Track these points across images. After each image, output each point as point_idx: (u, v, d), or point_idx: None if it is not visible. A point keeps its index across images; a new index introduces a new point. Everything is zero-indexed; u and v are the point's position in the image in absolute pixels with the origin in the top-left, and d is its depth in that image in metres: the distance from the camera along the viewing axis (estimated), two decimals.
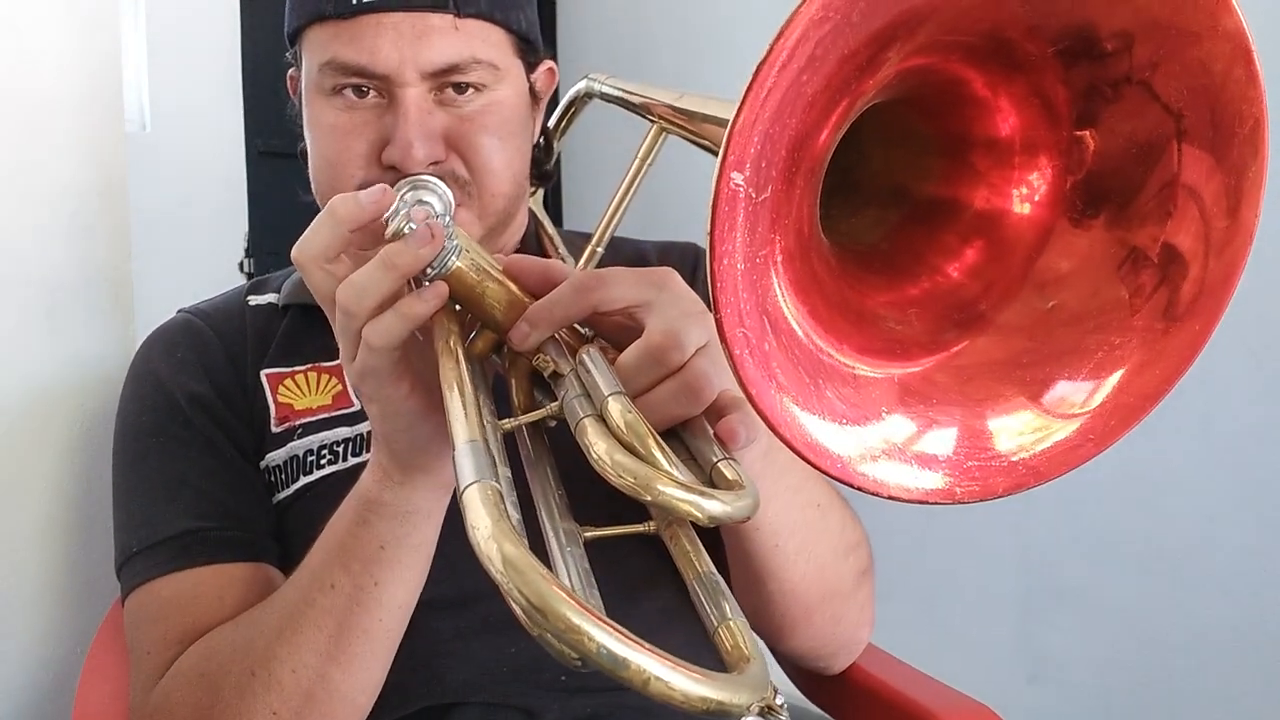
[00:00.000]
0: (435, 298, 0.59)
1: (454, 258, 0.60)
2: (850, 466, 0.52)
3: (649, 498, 0.50)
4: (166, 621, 0.79)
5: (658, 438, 0.53)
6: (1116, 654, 1.80)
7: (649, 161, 0.84)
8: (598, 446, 0.52)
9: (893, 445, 0.54)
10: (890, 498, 0.53)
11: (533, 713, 0.80)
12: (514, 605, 0.44)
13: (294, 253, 0.62)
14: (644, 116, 0.86)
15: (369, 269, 0.59)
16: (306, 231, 0.62)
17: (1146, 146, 0.54)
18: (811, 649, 0.88)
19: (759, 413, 0.49)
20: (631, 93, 0.89)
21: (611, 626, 0.42)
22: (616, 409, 0.54)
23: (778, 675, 1.04)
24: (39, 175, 1.04)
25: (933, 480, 0.54)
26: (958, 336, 0.59)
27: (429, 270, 0.60)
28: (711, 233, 0.46)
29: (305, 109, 0.86)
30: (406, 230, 0.59)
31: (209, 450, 0.85)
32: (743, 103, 0.45)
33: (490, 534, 0.46)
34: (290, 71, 0.90)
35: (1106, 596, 1.81)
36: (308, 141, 0.86)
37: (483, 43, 0.81)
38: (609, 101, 0.95)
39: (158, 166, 2.06)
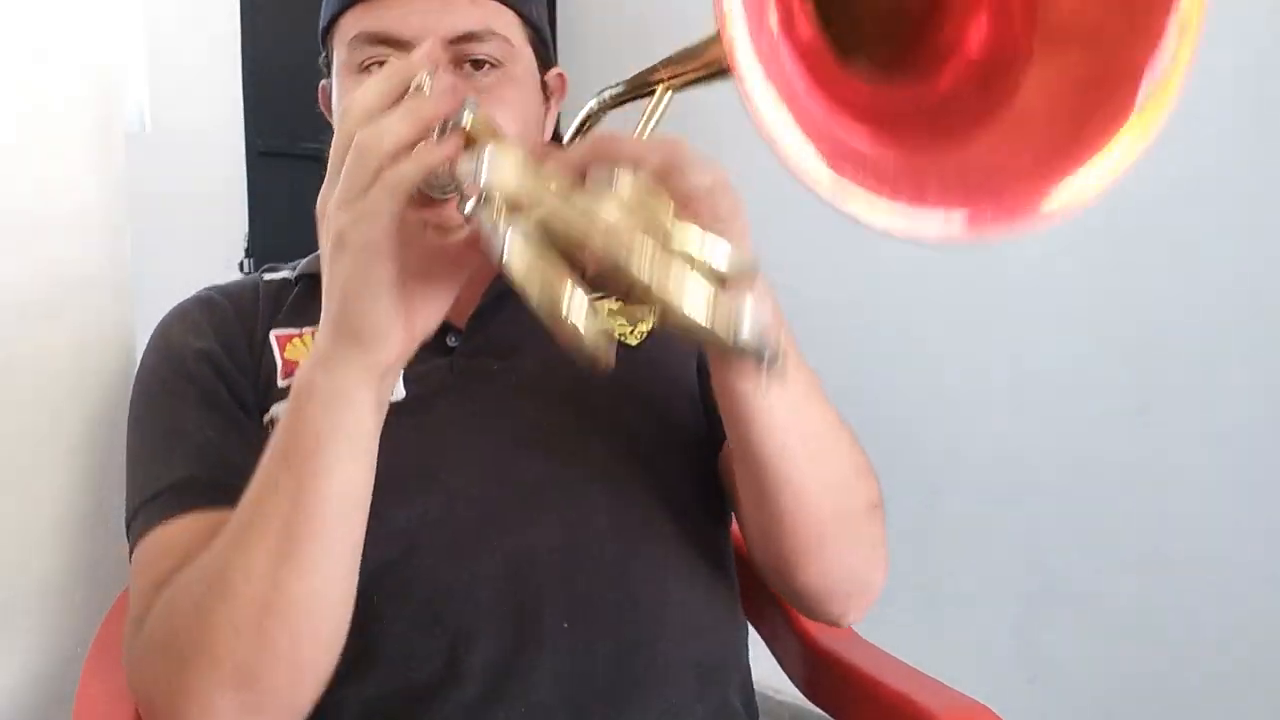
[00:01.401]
0: (451, 142, 0.64)
1: (469, 112, 0.65)
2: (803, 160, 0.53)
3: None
4: (154, 569, 0.79)
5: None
6: (1117, 655, 1.80)
7: (656, 118, 0.84)
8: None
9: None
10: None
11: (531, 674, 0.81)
12: None
13: (344, 103, 0.68)
14: (649, 92, 0.86)
15: (391, 114, 0.63)
16: (360, 89, 0.66)
17: None
18: (825, 586, 0.85)
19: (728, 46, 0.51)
20: (633, 79, 0.90)
21: None
22: (627, 179, 0.58)
23: (779, 674, 1.04)
24: (38, 175, 1.04)
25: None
26: (991, 110, 0.61)
27: (448, 125, 0.64)
28: None
29: (335, 93, 0.89)
30: (428, 87, 0.65)
31: (209, 403, 0.87)
32: None
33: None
34: (321, 83, 0.93)
35: (1107, 597, 1.81)
36: (337, 126, 0.89)
37: (499, 18, 0.87)
38: (618, 104, 0.95)
39: (158, 166, 2.06)
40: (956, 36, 0.64)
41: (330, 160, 0.66)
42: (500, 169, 0.58)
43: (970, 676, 0.96)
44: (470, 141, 0.65)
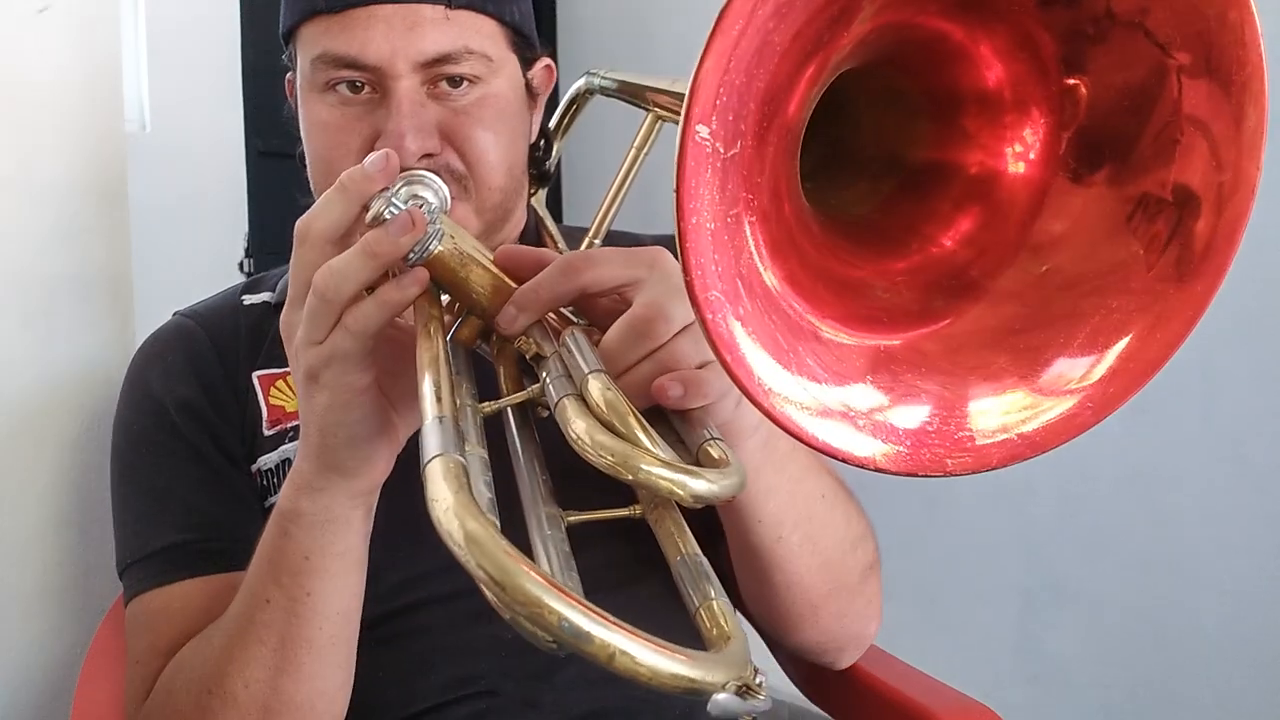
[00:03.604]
0: (415, 284, 0.59)
1: (435, 242, 0.60)
2: (827, 435, 0.50)
3: (630, 477, 0.48)
4: (154, 632, 0.81)
5: (639, 416, 0.51)
6: (1117, 653, 1.80)
7: (645, 151, 0.83)
8: (576, 425, 0.50)
9: (868, 409, 0.52)
10: (867, 467, 0.51)
11: (532, 702, 0.80)
12: (477, 581, 0.43)
13: (299, 226, 0.61)
14: (641, 106, 0.85)
15: (349, 256, 0.58)
16: (315, 205, 0.62)
17: (1142, 87, 0.52)
18: (819, 643, 0.87)
19: (734, 379, 0.48)
20: (628, 83, 0.89)
21: (575, 599, 0.41)
22: (596, 387, 0.52)
23: (778, 674, 1.04)
24: (39, 175, 1.04)
25: (912, 449, 0.52)
26: (948, 306, 0.57)
27: (410, 255, 0.59)
28: (678, 189, 0.45)
29: (300, 108, 0.86)
30: (387, 215, 0.58)
31: (196, 460, 0.86)
32: (705, 51, 0.43)
33: (450, 507, 0.44)
34: (288, 75, 0.90)
35: (1107, 595, 1.81)
36: (303, 141, 0.86)
37: (475, 33, 0.80)
38: (608, 95, 0.95)
39: (158, 166, 2.06)
40: (943, 218, 0.60)
41: (290, 282, 0.63)
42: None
43: (970, 676, 0.96)
44: (440, 269, 0.61)
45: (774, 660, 1.06)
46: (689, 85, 0.44)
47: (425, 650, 0.81)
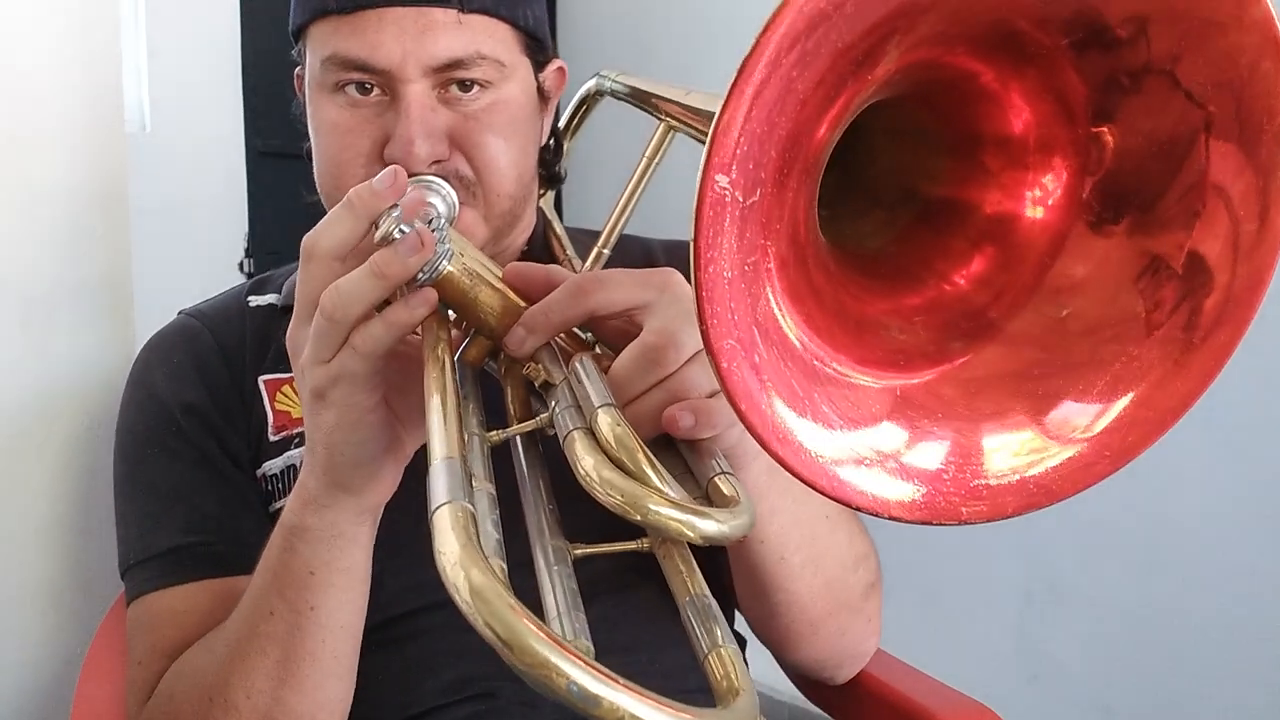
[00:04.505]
0: (423, 305, 0.58)
1: (445, 262, 0.59)
2: (842, 483, 0.49)
3: (639, 517, 0.48)
4: (156, 634, 0.81)
5: (649, 453, 0.51)
6: (1117, 653, 1.80)
7: (656, 160, 0.83)
8: (585, 462, 0.49)
9: (883, 454, 0.51)
10: (881, 515, 0.50)
11: (531, 703, 0.80)
12: (484, 638, 0.42)
13: (306, 242, 0.61)
14: (652, 114, 0.85)
15: (357, 276, 0.58)
16: (323, 222, 0.61)
17: (1171, 143, 0.51)
18: (818, 660, 0.88)
19: (749, 428, 0.47)
20: (639, 89, 0.88)
21: (581, 659, 0.40)
22: (606, 421, 0.51)
23: (777, 675, 1.04)
24: (39, 175, 1.04)
25: (927, 496, 0.51)
26: (965, 347, 0.56)
27: (419, 275, 0.58)
28: (696, 239, 0.44)
29: (309, 107, 0.85)
30: (396, 235, 0.58)
31: (202, 462, 0.86)
32: (727, 101, 0.42)
33: (457, 560, 0.43)
34: (296, 70, 0.89)
35: (1107, 596, 1.81)
36: (311, 140, 0.86)
37: (488, 38, 0.79)
38: (619, 99, 0.95)
39: (158, 166, 2.06)
40: (959, 255, 0.59)
41: (297, 299, 0.62)
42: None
43: (970, 676, 0.96)
44: (449, 289, 0.60)
45: (773, 660, 1.06)
46: (709, 135, 0.43)
47: (425, 653, 0.81)
